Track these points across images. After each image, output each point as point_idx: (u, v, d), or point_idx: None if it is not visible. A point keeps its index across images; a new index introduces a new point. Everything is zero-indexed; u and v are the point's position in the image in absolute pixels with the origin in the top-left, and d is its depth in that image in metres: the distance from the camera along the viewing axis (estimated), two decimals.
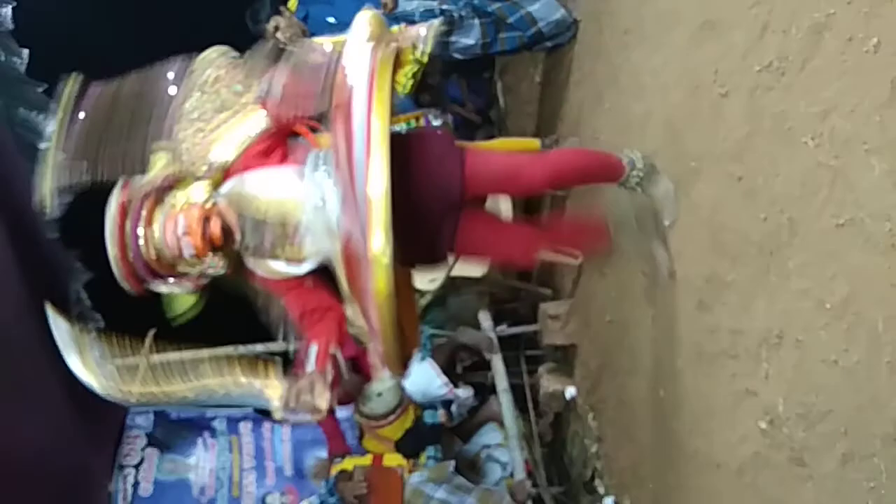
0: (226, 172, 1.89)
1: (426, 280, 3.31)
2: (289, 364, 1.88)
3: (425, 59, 2.03)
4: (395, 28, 2.77)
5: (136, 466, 3.81)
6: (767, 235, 1.72)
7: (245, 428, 4.00)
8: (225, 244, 1.80)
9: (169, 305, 1.96)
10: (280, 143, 1.93)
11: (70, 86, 1.95)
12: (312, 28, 3.34)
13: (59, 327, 1.95)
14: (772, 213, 1.69)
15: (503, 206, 3.17)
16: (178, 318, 1.97)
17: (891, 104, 1.32)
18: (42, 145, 1.94)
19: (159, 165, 1.90)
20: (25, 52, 3.33)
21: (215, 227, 1.77)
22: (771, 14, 1.67)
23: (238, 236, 1.82)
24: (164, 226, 1.76)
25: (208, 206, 1.81)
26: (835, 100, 1.47)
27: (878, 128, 1.35)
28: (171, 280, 1.82)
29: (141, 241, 1.75)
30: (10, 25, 3.35)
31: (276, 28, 3.17)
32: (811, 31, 1.53)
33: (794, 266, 1.63)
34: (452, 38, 3.10)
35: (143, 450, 3.86)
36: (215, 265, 1.81)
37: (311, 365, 1.83)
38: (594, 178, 2.25)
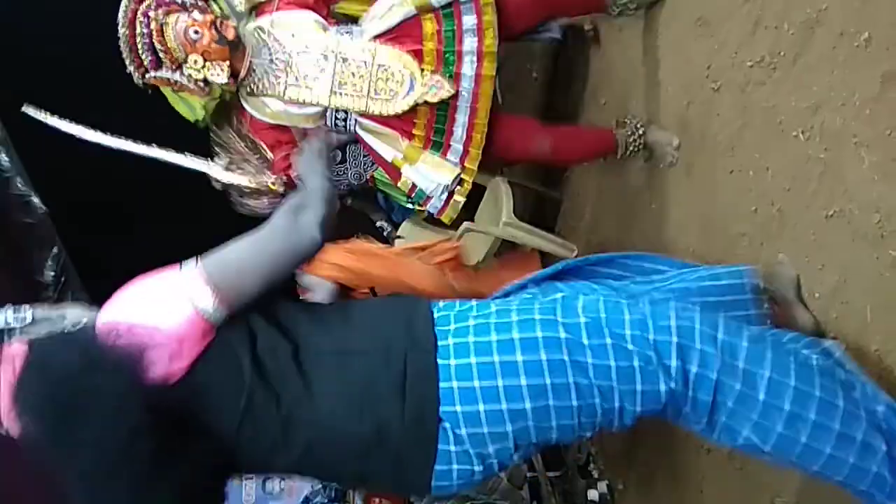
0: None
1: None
2: None
3: None
4: None
5: None
6: (758, 227, 1.75)
7: None
8: (233, 56, 1.91)
9: (184, 111, 2.05)
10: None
11: None
12: None
13: None
14: (762, 205, 1.73)
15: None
16: (197, 123, 2.07)
17: (881, 98, 1.35)
18: None
19: None
20: None
21: (229, 29, 1.88)
22: (763, 10, 1.70)
23: (249, 59, 1.95)
24: (179, 17, 1.85)
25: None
26: (825, 94, 1.50)
27: (867, 121, 1.39)
28: (176, 72, 1.89)
29: (153, 25, 1.83)
30: None
31: None
32: (803, 27, 1.56)
33: (784, 257, 1.66)
34: None
35: None
36: (218, 72, 1.89)
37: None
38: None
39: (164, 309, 0.95)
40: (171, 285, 0.98)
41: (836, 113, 1.47)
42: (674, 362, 1.08)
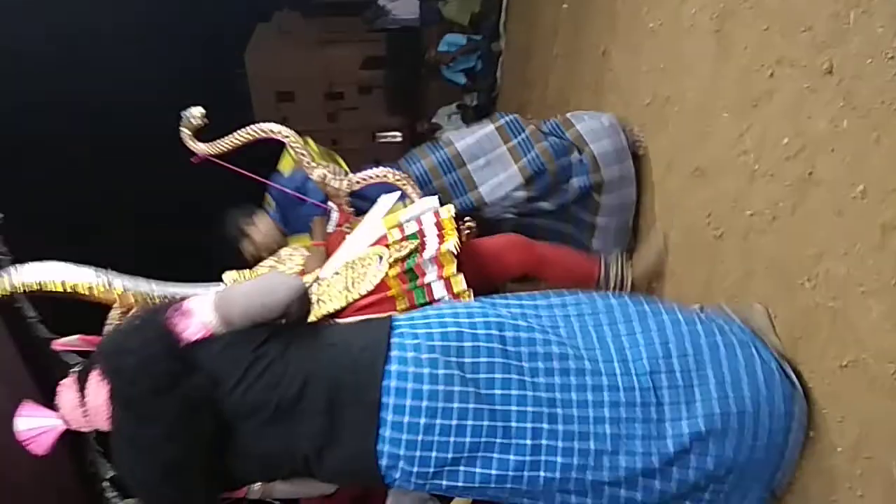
0: None
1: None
2: None
3: None
4: None
5: None
6: None
7: None
8: None
9: None
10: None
11: None
12: (296, 227, 2.79)
13: None
14: None
15: None
16: None
17: (883, 247, 1.35)
18: None
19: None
20: None
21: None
22: (758, 163, 1.76)
23: None
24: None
25: None
26: (827, 243, 1.50)
27: (872, 270, 1.38)
28: None
29: None
30: None
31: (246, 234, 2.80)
32: (799, 180, 1.59)
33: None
34: None
35: None
36: None
37: None
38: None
39: (197, 309, 1.50)
40: (206, 300, 1.51)
41: (840, 262, 1.46)
42: None
